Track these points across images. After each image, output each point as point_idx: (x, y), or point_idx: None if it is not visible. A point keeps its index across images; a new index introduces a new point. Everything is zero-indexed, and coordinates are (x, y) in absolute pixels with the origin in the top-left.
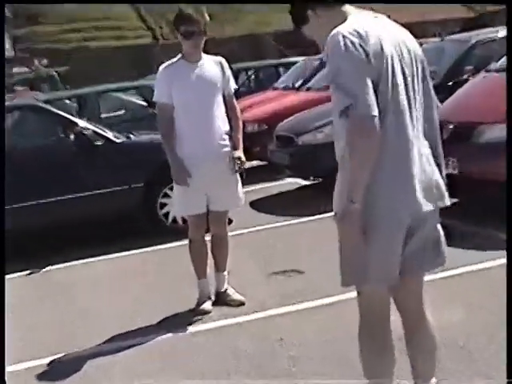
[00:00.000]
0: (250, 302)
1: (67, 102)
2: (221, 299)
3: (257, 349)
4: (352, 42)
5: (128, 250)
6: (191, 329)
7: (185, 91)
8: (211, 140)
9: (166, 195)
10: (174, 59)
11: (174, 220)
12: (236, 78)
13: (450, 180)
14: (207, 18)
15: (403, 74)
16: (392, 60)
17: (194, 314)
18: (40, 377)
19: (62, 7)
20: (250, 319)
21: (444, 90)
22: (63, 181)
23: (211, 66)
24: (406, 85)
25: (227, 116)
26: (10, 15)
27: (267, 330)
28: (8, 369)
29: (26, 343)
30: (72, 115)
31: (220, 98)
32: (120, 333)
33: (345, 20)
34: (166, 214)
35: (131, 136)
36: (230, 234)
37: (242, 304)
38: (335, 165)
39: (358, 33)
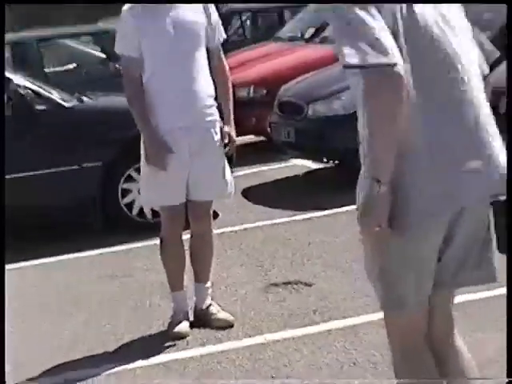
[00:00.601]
0: (241, 323)
1: None
2: (202, 319)
3: None
4: None
5: (79, 250)
6: (161, 357)
7: (157, 41)
8: (192, 107)
9: (130, 178)
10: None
11: (141, 212)
12: (226, 24)
13: None
14: None
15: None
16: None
17: (167, 337)
18: None
19: None
20: (239, 346)
21: None
22: None
23: (192, 6)
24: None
25: (212, 76)
26: None
27: (263, 362)
28: None
29: None
30: (5, 69)
31: (203, 52)
32: (66, 361)
33: None
34: (130, 204)
35: (85, 99)
36: (215, 232)
37: (229, 326)
38: (357, 144)
39: None
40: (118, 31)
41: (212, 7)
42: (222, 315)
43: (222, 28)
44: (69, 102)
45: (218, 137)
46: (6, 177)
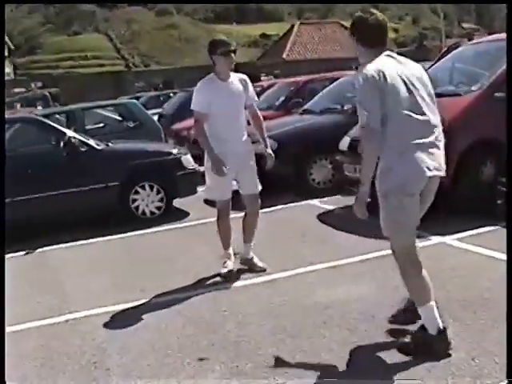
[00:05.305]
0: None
1: (58, 116)
2: (247, 264)
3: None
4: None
5: (105, 235)
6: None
7: (221, 103)
8: (240, 139)
9: (136, 192)
10: (209, 77)
11: (143, 212)
12: None
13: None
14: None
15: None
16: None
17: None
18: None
19: (55, 40)
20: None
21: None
22: (55, 179)
23: (238, 82)
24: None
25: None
26: (12, 46)
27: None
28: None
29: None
30: (62, 127)
31: (243, 108)
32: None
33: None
34: (137, 207)
35: (109, 144)
36: (186, 224)
37: (264, 270)
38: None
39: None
40: (194, 95)
41: (248, 81)
42: (261, 263)
43: (255, 94)
44: (100, 146)
45: (252, 157)
46: (63, 191)
